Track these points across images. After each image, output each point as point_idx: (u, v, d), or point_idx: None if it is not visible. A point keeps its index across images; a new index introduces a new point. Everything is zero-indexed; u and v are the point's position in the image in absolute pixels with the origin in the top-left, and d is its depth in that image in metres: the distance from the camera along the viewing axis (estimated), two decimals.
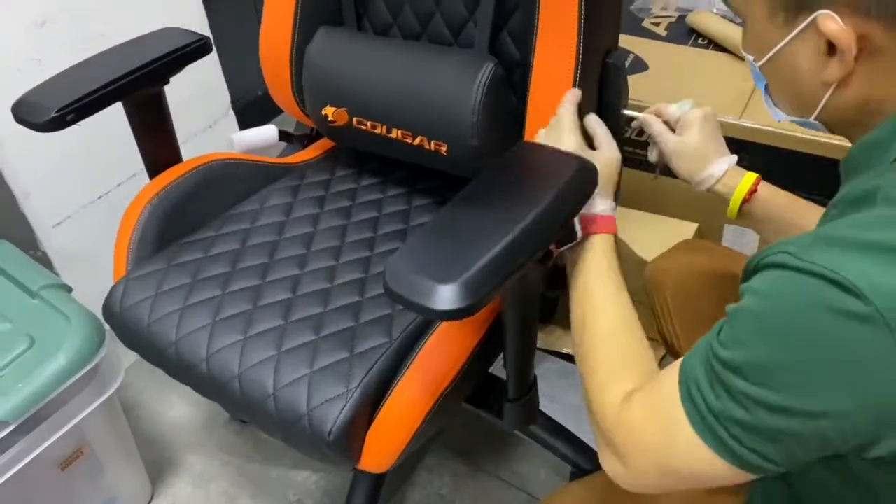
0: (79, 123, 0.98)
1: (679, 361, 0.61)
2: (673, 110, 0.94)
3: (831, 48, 0.56)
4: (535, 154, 0.84)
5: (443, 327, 0.88)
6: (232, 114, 1.69)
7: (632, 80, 1.44)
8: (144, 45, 1.09)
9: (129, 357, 1.04)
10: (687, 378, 0.59)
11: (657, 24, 1.61)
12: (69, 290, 1.16)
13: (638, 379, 0.67)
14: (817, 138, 1.26)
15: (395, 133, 1.06)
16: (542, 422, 1.26)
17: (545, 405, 1.23)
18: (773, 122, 1.27)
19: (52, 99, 0.97)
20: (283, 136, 1.36)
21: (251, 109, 1.77)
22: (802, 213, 0.87)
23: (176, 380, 1.00)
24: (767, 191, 0.90)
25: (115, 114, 1.05)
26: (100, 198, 1.41)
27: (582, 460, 1.28)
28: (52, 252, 1.38)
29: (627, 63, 1.50)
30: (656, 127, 0.92)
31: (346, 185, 1.21)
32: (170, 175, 1.12)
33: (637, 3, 1.67)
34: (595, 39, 0.92)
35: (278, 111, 1.26)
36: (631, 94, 1.29)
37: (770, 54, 0.62)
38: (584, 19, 0.89)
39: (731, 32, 1.50)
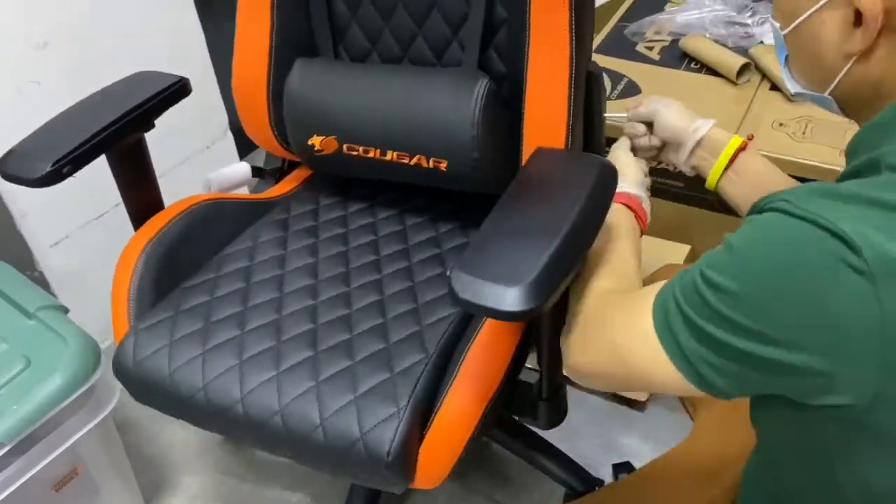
0: None
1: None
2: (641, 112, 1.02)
3: (858, 19, 0.58)
4: (556, 158, 0.88)
5: (482, 334, 0.90)
6: (230, 135, 1.67)
7: (624, 103, 1.50)
8: (121, 93, 1.06)
9: None
10: (666, 288, 0.64)
11: (650, 48, 1.64)
12: (66, 310, 1.14)
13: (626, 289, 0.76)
14: (808, 162, 1.30)
15: (390, 155, 1.08)
16: (536, 443, 1.28)
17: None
18: (765, 146, 1.32)
19: (42, 154, 0.94)
20: (256, 171, 1.35)
21: None
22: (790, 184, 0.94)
23: (202, 428, 0.98)
24: (755, 154, 0.96)
25: None
26: (97, 218, 1.41)
27: (576, 482, 1.29)
28: (48, 272, 1.37)
29: (621, 86, 1.54)
30: (643, 109, 1.01)
31: (334, 213, 1.21)
32: (158, 222, 1.09)
33: (631, 27, 1.69)
34: (583, 44, 0.97)
35: None
36: None
37: (798, 21, 0.64)
38: (576, 23, 0.94)
39: (723, 57, 1.53)
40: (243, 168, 1.31)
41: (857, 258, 0.51)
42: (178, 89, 1.08)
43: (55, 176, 0.92)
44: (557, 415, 0.99)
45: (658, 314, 0.63)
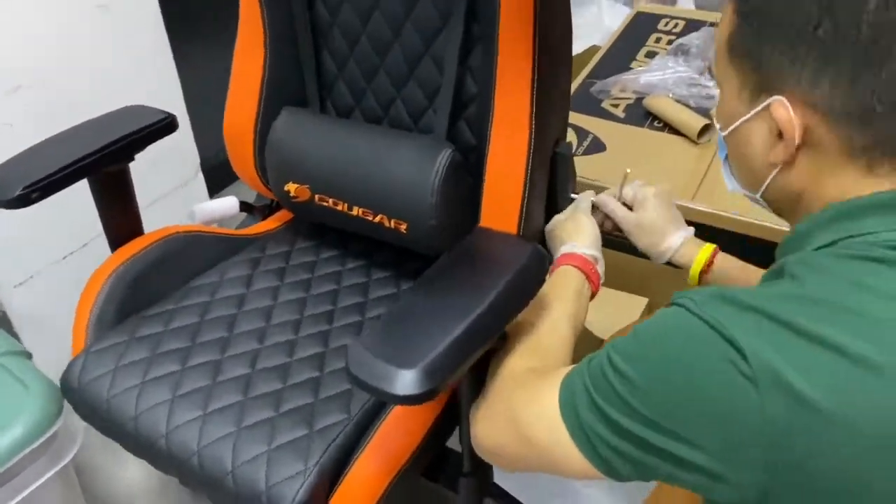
0: None
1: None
2: (626, 191, 1.03)
3: (780, 132, 0.61)
4: (489, 240, 0.89)
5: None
6: (201, 175, 1.70)
7: (590, 159, 1.53)
8: (110, 124, 1.12)
9: None
10: (575, 369, 0.66)
11: (616, 106, 1.69)
12: (29, 356, 1.15)
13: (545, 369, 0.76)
14: (765, 223, 1.32)
15: (356, 211, 1.11)
16: (493, 492, 1.27)
17: (497, 475, 1.25)
18: (723, 205, 1.34)
19: (17, 177, 0.99)
20: (244, 206, 1.39)
21: (220, 171, 1.80)
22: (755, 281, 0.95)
23: (134, 455, 1.00)
24: (725, 261, 0.99)
25: None
26: (64, 258, 1.39)
27: None
28: (12, 313, 1.35)
29: (586, 143, 1.57)
30: (611, 205, 1.02)
31: (306, 258, 1.24)
32: (131, 248, 1.14)
33: (597, 85, 1.75)
34: (546, 129, 0.99)
35: None
36: (589, 174, 1.37)
37: (732, 127, 0.67)
38: (536, 111, 0.96)
39: (684, 117, 1.57)
40: (230, 202, 1.35)
41: (745, 364, 0.53)
42: (164, 125, 1.13)
43: (24, 200, 0.97)
44: (478, 491, 0.99)
45: (564, 394, 0.66)
